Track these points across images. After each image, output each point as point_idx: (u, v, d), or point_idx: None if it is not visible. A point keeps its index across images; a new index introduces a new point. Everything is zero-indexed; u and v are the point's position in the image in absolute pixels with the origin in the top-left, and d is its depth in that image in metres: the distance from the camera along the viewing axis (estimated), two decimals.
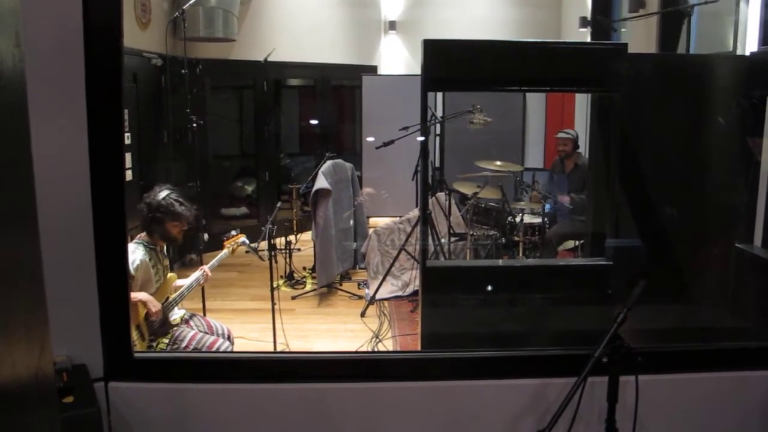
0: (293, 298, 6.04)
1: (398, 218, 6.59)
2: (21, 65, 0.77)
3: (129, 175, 5.61)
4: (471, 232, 5.93)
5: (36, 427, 0.87)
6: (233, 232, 4.34)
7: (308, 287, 6.28)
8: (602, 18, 6.53)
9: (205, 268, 4.03)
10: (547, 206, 6.11)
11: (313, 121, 8.81)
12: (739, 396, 2.33)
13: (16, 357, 0.76)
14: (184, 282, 3.97)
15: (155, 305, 3.61)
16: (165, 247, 3.91)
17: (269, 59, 7.16)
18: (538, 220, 5.92)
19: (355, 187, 6.72)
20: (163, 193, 3.74)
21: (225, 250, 4.18)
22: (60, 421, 1.07)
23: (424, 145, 4.72)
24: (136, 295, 3.53)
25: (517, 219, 5.85)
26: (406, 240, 5.97)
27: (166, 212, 3.70)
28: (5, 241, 0.77)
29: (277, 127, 8.40)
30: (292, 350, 4.71)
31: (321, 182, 5.96)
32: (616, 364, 2.00)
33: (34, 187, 0.88)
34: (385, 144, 5.84)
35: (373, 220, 7.66)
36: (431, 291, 4.03)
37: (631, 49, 3.91)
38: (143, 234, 3.77)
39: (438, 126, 7.76)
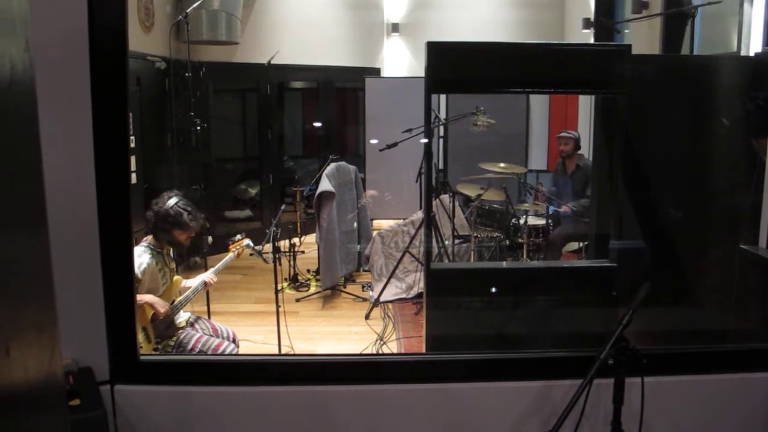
0: (297, 300, 6.04)
1: (402, 220, 6.59)
2: (31, 70, 0.78)
3: (133, 178, 5.62)
4: (475, 234, 5.93)
5: (46, 429, 0.88)
6: (238, 236, 4.34)
7: (312, 290, 6.29)
8: (605, 19, 6.52)
9: (209, 274, 4.03)
10: (551, 208, 6.11)
11: (317, 124, 8.82)
12: (744, 397, 2.32)
13: (27, 360, 0.76)
14: (190, 283, 3.97)
15: (162, 305, 3.62)
16: (171, 250, 3.91)
17: (272, 62, 7.18)
18: (541, 221, 5.92)
19: (359, 190, 6.73)
20: (172, 201, 3.72)
21: (230, 254, 4.18)
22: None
23: (427, 148, 4.72)
24: (142, 297, 3.54)
25: (521, 221, 5.85)
26: (410, 242, 5.98)
27: (174, 222, 3.69)
28: (17, 245, 0.78)
29: (280, 130, 8.41)
30: (296, 353, 4.71)
31: (325, 185, 5.97)
32: (622, 366, 1.99)
33: (44, 190, 0.89)
34: (389, 146, 5.85)
35: (376, 223, 7.66)
36: (435, 293, 4.03)
37: (634, 51, 3.90)
38: (150, 237, 3.77)
39: (441, 128, 7.76)
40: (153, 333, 3.68)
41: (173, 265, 3.91)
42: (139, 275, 3.54)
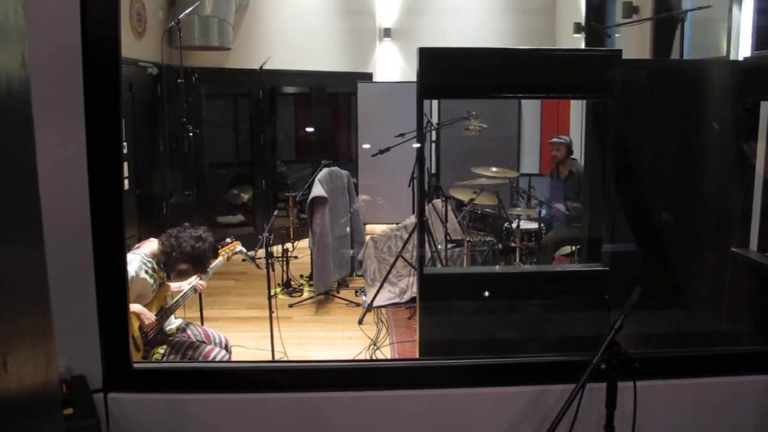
0: (290, 306, 6.03)
1: (395, 225, 6.59)
2: (27, 84, 0.78)
3: (126, 183, 5.61)
4: (467, 239, 5.94)
5: None
6: (228, 240, 4.32)
7: (305, 295, 6.28)
8: (596, 24, 6.56)
9: (198, 280, 4.02)
10: (544, 212, 6.12)
11: (309, 129, 8.81)
12: (736, 401, 2.34)
13: (24, 374, 0.76)
14: (179, 285, 3.96)
15: (148, 317, 3.60)
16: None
17: (265, 67, 7.17)
18: (534, 225, 5.93)
19: (352, 195, 6.73)
20: (207, 245, 3.85)
21: (220, 258, 4.17)
22: None
23: (420, 152, 4.73)
24: (130, 307, 3.52)
25: (514, 225, 5.85)
26: (403, 247, 5.98)
27: (196, 260, 3.82)
28: (14, 257, 0.78)
29: (273, 135, 8.41)
30: (289, 358, 4.71)
31: (317, 190, 5.97)
32: (614, 371, 2.01)
33: (40, 202, 0.89)
34: (381, 151, 5.85)
35: (369, 227, 7.66)
36: (428, 298, 4.04)
37: (625, 55, 3.93)
38: (153, 247, 3.76)
39: (434, 132, 7.77)
40: (141, 341, 3.66)
41: (163, 273, 3.90)
42: (129, 283, 3.53)
